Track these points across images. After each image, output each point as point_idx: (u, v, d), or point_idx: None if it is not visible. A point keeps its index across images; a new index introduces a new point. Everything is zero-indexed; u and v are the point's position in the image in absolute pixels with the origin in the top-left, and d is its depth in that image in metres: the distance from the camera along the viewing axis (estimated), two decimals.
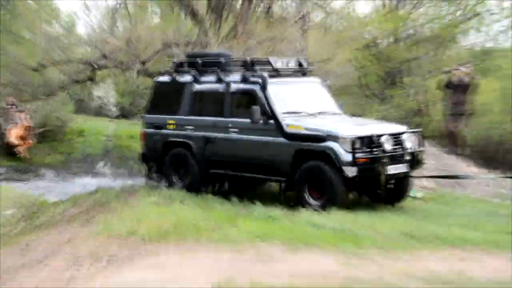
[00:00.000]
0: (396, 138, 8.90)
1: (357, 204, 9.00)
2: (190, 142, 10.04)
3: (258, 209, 8.40)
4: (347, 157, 8.36)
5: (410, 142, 9.00)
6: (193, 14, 16.91)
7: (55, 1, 21.07)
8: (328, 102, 10.31)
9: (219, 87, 9.86)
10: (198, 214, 7.57)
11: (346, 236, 6.47)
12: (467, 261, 5.57)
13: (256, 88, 9.39)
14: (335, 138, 8.54)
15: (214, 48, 14.21)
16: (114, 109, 22.49)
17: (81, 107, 21.19)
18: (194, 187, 9.78)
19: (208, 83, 10.16)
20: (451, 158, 12.87)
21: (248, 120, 9.25)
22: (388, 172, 8.58)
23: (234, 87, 9.68)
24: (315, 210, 8.11)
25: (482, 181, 11.47)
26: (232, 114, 9.72)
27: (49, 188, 11.92)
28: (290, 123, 9.12)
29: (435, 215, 8.68)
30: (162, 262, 5.43)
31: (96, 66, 16.39)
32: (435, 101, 15.15)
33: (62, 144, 16.36)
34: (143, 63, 15.80)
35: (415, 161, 9.03)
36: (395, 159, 8.77)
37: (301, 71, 10.31)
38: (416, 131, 9.39)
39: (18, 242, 6.86)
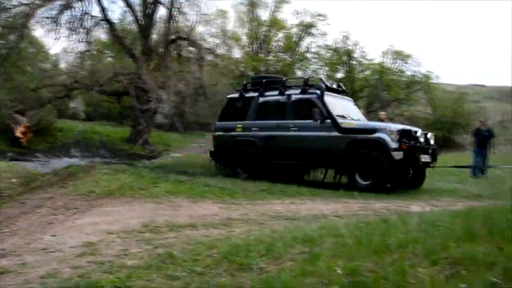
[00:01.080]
0: (425, 135, 10.85)
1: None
2: (256, 140, 12.18)
3: (170, 175, 10.79)
4: (394, 144, 9.94)
5: (432, 139, 11.11)
6: (133, 55, 23.97)
7: (46, 46, 30.28)
8: (359, 113, 12.68)
9: (281, 98, 12.09)
10: (134, 179, 9.41)
11: (226, 191, 8.92)
12: (297, 204, 8.21)
13: (313, 97, 11.44)
14: (384, 130, 10.24)
15: (147, 77, 20.27)
16: (82, 114, 32.72)
17: (61, 114, 28.68)
18: (257, 175, 11.64)
19: (271, 96, 12.42)
20: None
21: (306, 120, 11.29)
22: (422, 160, 10.42)
23: (294, 97, 11.86)
24: (363, 190, 9.67)
25: None
26: (292, 117, 11.74)
27: (41, 164, 16.45)
28: (344, 121, 10.95)
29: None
30: (109, 210, 6.83)
31: (71, 88, 23.88)
32: None
33: (49, 137, 23.36)
34: (101, 85, 22.92)
35: (435, 155, 11.06)
36: (425, 151, 10.63)
37: (341, 91, 12.65)
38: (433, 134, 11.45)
39: (18, 199, 8.64)
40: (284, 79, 13.20)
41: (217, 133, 13.25)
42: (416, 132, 10.60)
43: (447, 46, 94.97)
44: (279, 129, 11.85)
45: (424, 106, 35.00)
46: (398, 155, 9.90)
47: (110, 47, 30.93)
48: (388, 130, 10.22)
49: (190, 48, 25.27)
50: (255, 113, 12.50)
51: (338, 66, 33.01)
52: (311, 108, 11.22)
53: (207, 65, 25.35)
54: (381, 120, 14.70)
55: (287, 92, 12.07)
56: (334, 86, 12.44)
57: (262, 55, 34.22)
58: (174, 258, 3.93)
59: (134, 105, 21.71)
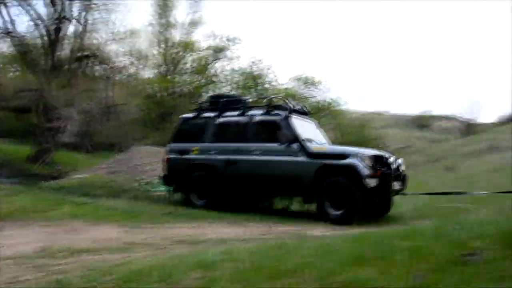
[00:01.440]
0: (396, 161, 10.24)
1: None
2: (214, 164, 11.17)
3: (73, 197, 10.48)
4: (367, 171, 9.25)
5: (403, 165, 10.53)
6: (38, 71, 22.88)
7: None
8: (324, 137, 12.03)
9: (243, 119, 11.22)
10: (34, 201, 9.15)
11: (131, 214, 8.87)
12: (203, 228, 8.25)
13: (278, 119, 10.70)
14: (356, 155, 9.56)
15: (53, 94, 19.59)
16: None
17: None
18: (215, 203, 10.88)
19: (231, 116, 11.49)
20: None
21: (270, 144, 10.56)
22: (393, 188, 9.75)
23: (257, 118, 11.05)
24: (334, 221, 9.10)
25: None
26: (255, 139, 10.91)
27: None
28: (312, 145, 10.30)
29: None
30: (4, 234, 6.70)
31: None
32: None
33: None
34: (4, 100, 22.18)
35: (405, 181, 10.47)
36: (396, 177, 10.00)
37: (305, 113, 11.88)
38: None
39: None
40: (245, 99, 12.56)
41: (170, 155, 12.17)
42: (388, 157, 10.07)
43: (356, 73, 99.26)
44: (240, 152, 11.02)
45: (334, 131, 36.25)
46: (371, 183, 9.31)
47: (15, 62, 29.35)
48: (361, 155, 9.62)
49: (100, 65, 24.73)
50: (213, 134, 11.62)
51: (249, 90, 33.48)
52: (275, 131, 10.65)
53: (117, 84, 24.86)
54: None
55: (248, 113, 11.34)
56: (298, 107, 11.80)
57: (175, 75, 34.17)
58: (67, 286, 3.80)
59: (39, 122, 20.90)
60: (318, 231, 8.28)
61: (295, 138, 10.31)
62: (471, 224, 4.03)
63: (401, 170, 10.41)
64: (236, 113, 11.50)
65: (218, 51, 34.50)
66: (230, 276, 3.79)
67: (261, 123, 11.10)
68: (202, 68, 34.31)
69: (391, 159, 10.05)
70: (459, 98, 73.39)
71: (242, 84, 33.20)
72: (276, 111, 10.97)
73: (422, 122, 41.62)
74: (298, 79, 33.88)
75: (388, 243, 3.95)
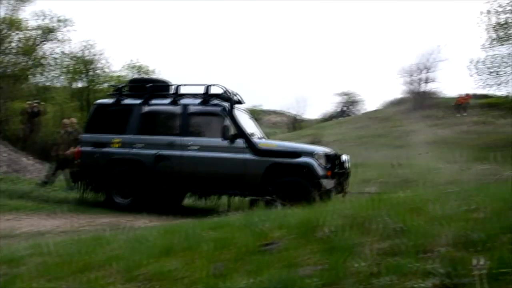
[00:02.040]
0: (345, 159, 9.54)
1: None
2: (142, 160, 9.78)
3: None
4: (322, 171, 8.65)
5: (348, 163, 9.77)
6: None
7: None
8: (260, 130, 10.91)
9: (175, 108, 9.91)
10: None
11: None
12: (21, 219, 8.03)
13: (219, 110, 9.61)
14: (310, 154, 8.91)
15: None
16: None
17: None
18: (141, 203, 9.60)
19: (161, 105, 10.13)
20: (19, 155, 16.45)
21: (211, 138, 9.54)
22: (346, 186, 9.29)
23: (193, 109, 9.81)
24: None
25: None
26: (191, 133, 9.73)
27: None
28: (260, 141, 9.51)
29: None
30: None
31: None
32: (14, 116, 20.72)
33: None
34: None
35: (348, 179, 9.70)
36: (347, 176, 9.56)
37: (241, 102, 10.52)
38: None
39: None
40: (177, 85, 10.45)
41: (84, 148, 10.41)
42: (340, 155, 9.48)
43: (190, 65, 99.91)
44: (173, 147, 9.69)
45: None
46: (328, 184, 8.69)
47: None
48: (316, 154, 8.97)
49: None
50: (138, 125, 10.12)
51: (80, 75, 32.08)
52: (216, 124, 9.60)
53: None
54: (65, 126, 13.31)
55: (181, 102, 10.01)
56: (238, 97, 10.43)
57: None
58: None
59: None
60: (141, 222, 8.28)
61: (240, 133, 9.43)
62: (276, 215, 4.30)
63: (348, 168, 9.79)
64: (166, 101, 10.18)
65: (47, 32, 32.47)
66: (36, 271, 3.66)
67: (199, 114, 9.94)
68: (29, 49, 31.99)
69: (344, 157, 9.55)
70: (287, 94, 77.63)
71: (73, 69, 31.65)
72: (216, 101, 9.87)
73: (253, 116, 43.40)
74: (132, 67, 33.24)
75: (197, 234, 4.07)
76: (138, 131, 10.09)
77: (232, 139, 9.31)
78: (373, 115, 40.54)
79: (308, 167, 8.71)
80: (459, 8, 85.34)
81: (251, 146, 9.27)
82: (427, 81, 39.63)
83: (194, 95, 10.25)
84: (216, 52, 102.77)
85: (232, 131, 9.36)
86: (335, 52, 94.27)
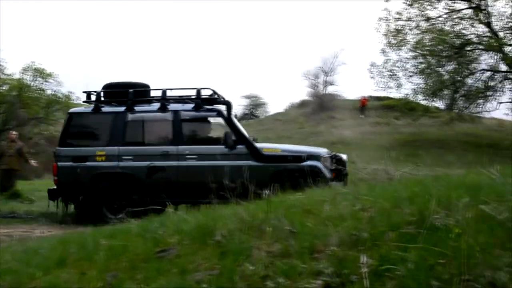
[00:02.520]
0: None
1: None
2: (134, 173, 8.88)
3: None
4: (329, 173, 8.41)
5: (347, 162, 9.51)
6: None
7: None
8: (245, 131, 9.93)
9: (165, 115, 9.08)
10: None
11: None
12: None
13: (214, 114, 9.01)
14: (316, 157, 8.59)
15: None
16: None
17: None
18: (133, 217, 7.89)
19: (148, 112, 9.25)
20: None
21: (209, 146, 8.89)
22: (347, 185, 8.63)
23: (185, 115, 9.06)
24: None
25: None
26: (185, 141, 8.99)
27: None
28: (263, 146, 8.90)
29: None
30: None
31: None
32: None
33: None
34: None
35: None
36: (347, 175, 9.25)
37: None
38: None
39: None
40: (163, 89, 9.49)
41: (62, 163, 9.27)
42: (340, 156, 9.30)
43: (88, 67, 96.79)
44: (168, 157, 8.94)
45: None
46: (335, 185, 8.13)
47: None
48: (322, 156, 8.72)
49: None
50: (124, 135, 9.21)
51: None
52: (212, 129, 9.22)
53: None
54: (12, 141, 13.23)
55: (171, 107, 9.23)
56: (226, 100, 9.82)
57: None
58: None
59: None
60: (38, 231, 8.02)
61: (241, 139, 8.91)
62: (173, 221, 4.27)
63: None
64: (153, 107, 9.40)
65: None
66: None
67: (193, 120, 9.31)
68: None
69: (344, 157, 9.38)
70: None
71: None
72: (210, 106, 9.21)
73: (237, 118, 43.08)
74: (28, 70, 31.70)
75: (92, 243, 3.97)
76: (125, 141, 9.22)
77: (233, 145, 8.79)
78: (278, 117, 41.31)
79: (315, 170, 8.36)
80: (360, 13, 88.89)
81: (254, 152, 8.78)
82: (328, 84, 41.16)
83: (183, 100, 9.60)
84: (119, 50, 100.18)
85: (232, 137, 8.84)
86: (242, 55, 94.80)
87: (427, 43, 24.93)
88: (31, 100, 31.52)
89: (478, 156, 11.44)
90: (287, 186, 7.36)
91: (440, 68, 25.37)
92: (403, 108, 28.81)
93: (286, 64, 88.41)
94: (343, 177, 9.01)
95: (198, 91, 9.28)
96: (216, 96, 9.46)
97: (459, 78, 25.19)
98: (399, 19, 25.40)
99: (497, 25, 23.91)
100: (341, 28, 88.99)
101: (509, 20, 23.63)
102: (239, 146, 8.80)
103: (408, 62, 26.02)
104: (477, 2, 23.75)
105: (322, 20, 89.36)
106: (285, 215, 3.52)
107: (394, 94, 28.22)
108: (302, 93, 69.70)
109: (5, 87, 31.66)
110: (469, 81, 25.59)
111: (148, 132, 9.44)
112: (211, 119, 9.34)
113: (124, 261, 3.30)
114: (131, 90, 9.40)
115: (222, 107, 9.19)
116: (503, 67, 24.40)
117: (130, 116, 9.28)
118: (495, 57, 24.18)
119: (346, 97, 41.28)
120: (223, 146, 8.82)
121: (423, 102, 27.63)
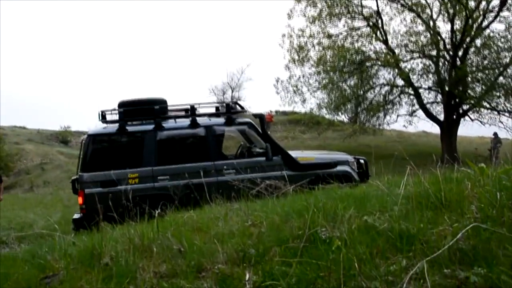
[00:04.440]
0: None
1: None
2: (169, 193, 7.78)
3: None
4: (356, 176, 8.75)
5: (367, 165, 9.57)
6: None
7: None
8: None
9: (198, 131, 8.77)
10: None
11: None
12: None
13: (245, 128, 9.01)
14: (344, 162, 8.97)
15: None
16: None
17: None
18: None
19: (178, 129, 8.82)
20: None
21: (244, 160, 8.83)
22: None
23: (218, 129, 8.88)
24: None
25: None
26: (222, 156, 8.98)
27: None
28: (298, 155, 9.03)
29: None
30: None
31: None
32: None
33: None
34: None
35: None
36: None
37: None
38: None
39: None
40: (191, 105, 9.27)
41: (89, 189, 8.43)
42: (362, 160, 9.59)
43: None
44: (206, 174, 8.50)
45: None
46: None
47: None
48: (350, 161, 9.17)
49: None
50: (156, 154, 8.75)
51: None
52: (245, 142, 9.28)
53: None
54: None
55: (202, 123, 8.95)
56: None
57: None
58: None
59: None
60: None
61: (277, 149, 8.93)
62: (62, 245, 4.08)
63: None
64: (183, 124, 9.08)
65: None
66: None
67: (224, 134, 9.40)
68: None
69: (362, 160, 9.60)
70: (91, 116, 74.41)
71: None
72: (241, 120, 9.18)
73: (62, 138, 41.12)
74: None
75: None
76: (158, 161, 8.76)
77: (271, 157, 8.78)
78: None
79: (347, 175, 8.77)
80: (265, 29, 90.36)
81: (290, 161, 8.86)
82: (235, 100, 41.57)
83: (209, 115, 9.45)
84: (19, 73, 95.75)
85: (270, 148, 8.81)
86: (150, 68, 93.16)
87: (329, 59, 25.74)
88: None
89: (378, 167, 11.90)
90: None
91: (342, 84, 26.28)
92: (308, 122, 29.54)
93: (192, 79, 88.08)
94: (366, 178, 9.23)
95: (228, 105, 9.25)
96: (245, 110, 9.71)
97: (360, 93, 26.21)
98: (301, 35, 26.08)
99: (392, 42, 25.22)
100: (247, 43, 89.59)
101: (403, 37, 25.06)
102: (275, 158, 8.82)
103: (311, 78, 26.74)
104: (373, 21, 24.95)
105: (228, 35, 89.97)
106: (175, 234, 3.46)
107: (300, 108, 28.88)
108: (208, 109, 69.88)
109: None
110: (370, 95, 26.65)
111: (182, 149, 9.15)
112: (244, 132, 9.39)
113: None
114: (156, 107, 9.01)
115: (249, 120, 9.34)
116: (400, 82, 25.72)
117: (160, 134, 8.85)
118: (392, 72, 25.48)
119: (252, 112, 41.93)
120: (260, 158, 8.88)
121: (327, 116, 28.47)
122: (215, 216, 4.13)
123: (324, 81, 26.48)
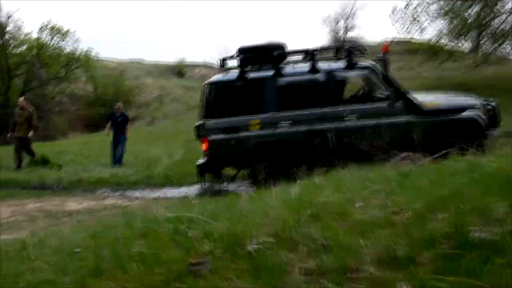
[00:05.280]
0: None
1: None
2: (290, 139, 8.78)
3: None
4: (485, 121, 8.46)
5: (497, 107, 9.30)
6: None
7: None
8: None
9: (318, 76, 8.95)
10: None
11: None
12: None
13: (367, 72, 8.98)
14: (473, 107, 8.64)
15: None
16: None
17: None
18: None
19: (298, 75, 9.12)
20: None
21: (365, 105, 8.84)
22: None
23: (339, 74, 9.02)
24: None
25: None
26: (342, 102, 9.06)
27: None
28: (424, 100, 8.78)
29: None
30: None
31: None
32: None
33: None
34: None
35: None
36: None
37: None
38: None
39: None
40: (312, 50, 9.28)
41: (213, 136, 9.08)
42: (493, 104, 9.13)
43: (107, 20, 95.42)
44: (326, 120, 8.82)
45: (85, 83, 34.70)
46: (496, 135, 8.58)
47: None
48: (478, 107, 8.74)
49: None
50: (276, 101, 8.99)
51: None
52: (366, 87, 9.25)
53: None
54: (21, 108, 13.94)
55: (322, 68, 9.05)
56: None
57: None
58: None
59: None
60: (73, 203, 8.28)
61: (399, 94, 8.76)
62: (200, 222, 3.94)
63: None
64: (302, 69, 9.18)
65: None
66: None
67: (346, 79, 9.49)
68: None
69: (495, 103, 9.21)
70: (210, 46, 75.65)
71: None
72: (362, 64, 9.15)
73: (178, 70, 42.00)
74: (45, 29, 31.34)
75: (125, 247, 3.70)
76: (277, 107, 8.98)
77: (395, 103, 8.68)
78: None
79: (476, 122, 8.46)
80: None
81: (413, 107, 8.71)
82: (349, 29, 40.05)
83: (330, 58, 9.66)
84: (132, 8, 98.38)
85: (393, 93, 8.71)
86: (256, 1, 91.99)
87: None
88: (51, 60, 31.35)
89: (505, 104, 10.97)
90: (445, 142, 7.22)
91: (464, 11, 24.35)
92: (426, 52, 27.95)
93: (305, 10, 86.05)
94: (497, 124, 8.93)
95: (349, 50, 9.11)
96: (366, 52, 9.49)
97: (483, 22, 24.17)
98: None
99: None
100: None
101: None
102: (397, 103, 8.69)
103: (431, 5, 25.04)
104: None
105: None
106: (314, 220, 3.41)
107: (417, 38, 27.39)
108: (322, 39, 68.14)
109: (23, 47, 31.46)
110: (496, 22, 24.53)
111: (301, 95, 9.16)
112: (366, 76, 9.23)
113: (159, 274, 3.10)
114: (276, 53, 9.16)
115: (372, 63, 9.12)
116: None
117: (281, 81, 9.03)
118: None
119: (368, 41, 40.20)
120: (382, 103, 8.77)
121: (447, 46, 26.74)
122: (352, 194, 4.02)
123: (445, 9, 24.65)
